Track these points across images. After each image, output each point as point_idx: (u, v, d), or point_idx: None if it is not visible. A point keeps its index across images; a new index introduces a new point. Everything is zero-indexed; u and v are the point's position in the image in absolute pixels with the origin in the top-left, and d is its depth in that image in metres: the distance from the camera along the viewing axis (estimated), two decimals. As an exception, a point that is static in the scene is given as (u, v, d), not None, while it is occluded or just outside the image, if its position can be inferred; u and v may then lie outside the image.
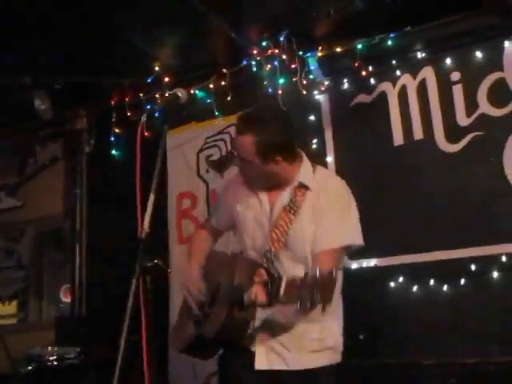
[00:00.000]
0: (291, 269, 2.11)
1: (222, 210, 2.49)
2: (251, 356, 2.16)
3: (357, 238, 2.21)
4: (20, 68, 4.19)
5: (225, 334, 2.07)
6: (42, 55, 4.05)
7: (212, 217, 2.59)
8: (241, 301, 1.99)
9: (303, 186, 2.20)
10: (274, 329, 2.16)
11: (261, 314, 2.11)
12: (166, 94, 2.19)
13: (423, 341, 3.46)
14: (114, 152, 4.74)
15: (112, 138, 4.74)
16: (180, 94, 2.05)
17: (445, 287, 3.52)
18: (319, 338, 2.20)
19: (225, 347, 2.24)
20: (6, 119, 4.73)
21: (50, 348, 3.83)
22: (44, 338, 4.58)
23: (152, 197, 1.80)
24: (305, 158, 2.30)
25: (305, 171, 2.25)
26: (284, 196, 2.21)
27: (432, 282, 3.56)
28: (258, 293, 1.89)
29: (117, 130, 4.71)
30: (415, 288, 3.61)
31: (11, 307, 5.40)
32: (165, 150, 1.93)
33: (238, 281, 2.01)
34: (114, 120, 4.67)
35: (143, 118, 1.99)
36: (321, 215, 2.13)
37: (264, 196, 2.27)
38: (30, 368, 3.65)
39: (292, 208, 2.15)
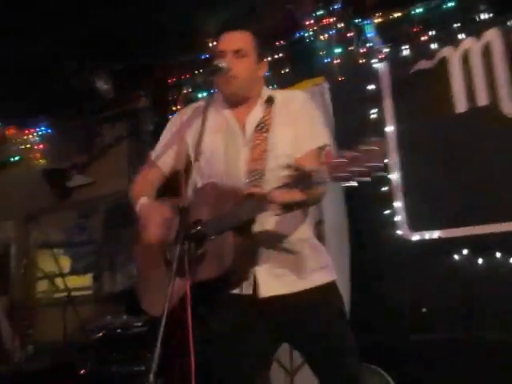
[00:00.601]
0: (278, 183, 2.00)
1: (175, 144, 2.22)
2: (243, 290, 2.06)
3: (330, 138, 2.23)
4: (83, 51, 4.34)
5: (236, 263, 1.95)
6: (103, 38, 4.17)
7: (158, 157, 2.28)
8: (247, 223, 1.92)
9: (269, 101, 2.18)
10: (275, 243, 2.07)
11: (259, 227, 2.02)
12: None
13: (488, 315, 3.35)
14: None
15: (171, 116, 4.83)
16: (222, 65, 2.06)
17: (511, 260, 3.37)
18: (313, 256, 2.13)
19: (224, 287, 2.08)
20: (73, 101, 4.93)
21: (118, 317, 4.01)
22: (116, 309, 4.81)
23: (195, 165, 1.82)
24: None
25: (267, 90, 2.25)
26: (253, 115, 2.16)
27: (498, 254, 3.43)
28: (285, 194, 1.76)
29: (176, 108, 4.79)
30: (480, 261, 3.49)
31: (86, 279, 5.68)
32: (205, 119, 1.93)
33: (235, 206, 1.92)
34: (173, 98, 4.76)
35: (184, 91, 2.00)
36: (295, 120, 2.11)
37: (230, 115, 2.19)
38: (100, 335, 3.84)
39: (263, 127, 2.12)
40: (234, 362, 2.09)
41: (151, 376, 1.53)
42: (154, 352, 1.56)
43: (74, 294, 4.72)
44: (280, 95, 2.23)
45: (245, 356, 2.07)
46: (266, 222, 2.03)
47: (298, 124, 2.12)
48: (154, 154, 2.29)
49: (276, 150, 2.09)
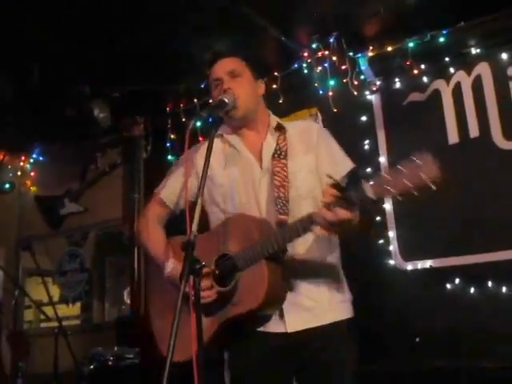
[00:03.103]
0: (301, 206, 2.06)
1: (185, 180, 2.13)
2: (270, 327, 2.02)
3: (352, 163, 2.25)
4: (79, 78, 4.37)
5: (272, 293, 1.91)
6: (99, 65, 4.20)
7: (165, 194, 2.27)
8: (279, 253, 1.91)
9: (280, 128, 2.20)
10: (304, 271, 2.05)
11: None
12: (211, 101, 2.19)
13: (481, 344, 3.36)
14: (169, 157, 4.85)
15: (168, 144, 4.86)
16: (226, 100, 2.08)
17: (503, 289, 3.41)
18: (340, 288, 2.12)
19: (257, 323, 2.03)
20: (68, 128, 4.93)
21: (110, 348, 3.95)
22: (106, 339, 4.74)
23: (200, 199, 1.82)
24: None
25: (275, 117, 2.27)
26: (268, 143, 2.17)
27: (490, 283, 3.46)
28: (330, 213, 1.74)
29: (172, 136, 4.82)
30: (472, 290, 3.52)
31: (75, 308, 5.60)
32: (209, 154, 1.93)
33: (263, 236, 1.91)
34: (169, 126, 4.79)
35: (190, 126, 2.01)
36: (316, 149, 2.16)
37: (240, 145, 2.18)
38: (92, 367, 3.79)
39: (280, 153, 2.13)
40: None
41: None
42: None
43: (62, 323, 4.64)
44: (290, 125, 2.25)
45: None
46: (296, 250, 2.01)
47: (321, 153, 2.15)
48: (162, 192, 2.28)
49: (296, 180, 2.10)
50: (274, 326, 2.02)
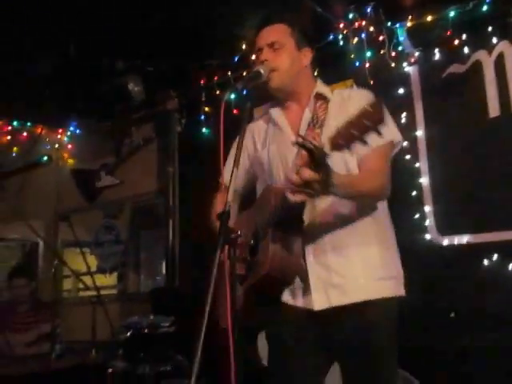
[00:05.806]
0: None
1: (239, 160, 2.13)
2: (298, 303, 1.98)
3: (399, 134, 2.04)
4: (114, 53, 4.39)
5: (277, 267, 1.86)
6: (134, 40, 4.21)
7: (225, 177, 2.13)
8: (285, 218, 1.84)
9: (322, 98, 2.08)
10: (325, 237, 1.94)
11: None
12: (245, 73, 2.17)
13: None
14: (203, 131, 4.86)
15: (202, 117, 4.87)
16: (262, 71, 2.05)
17: (543, 266, 3.33)
18: (382, 264, 1.96)
19: (275, 292, 1.98)
20: (103, 103, 4.98)
21: (146, 317, 4.03)
22: (141, 308, 4.84)
23: (235, 170, 1.81)
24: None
25: (321, 85, 2.15)
26: (305, 114, 2.07)
27: (529, 260, 3.38)
28: (305, 171, 1.63)
29: (206, 109, 4.83)
30: (511, 267, 3.44)
31: (112, 278, 5.74)
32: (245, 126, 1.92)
33: (273, 205, 1.88)
34: (203, 99, 4.79)
35: (225, 97, 1.99)
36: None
37: (282, 120, 2.14)
38: (128, 335, 3.87)
39: (316, 123, 2.01)
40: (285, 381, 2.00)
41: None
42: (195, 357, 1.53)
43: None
44: (336, 93, 2.14)
45: (295, 376, 1.98)
46: (317, 211, 1.94)
47: None
48: (224, 179, 2.16)
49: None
50: (303, 301, 1.98)
